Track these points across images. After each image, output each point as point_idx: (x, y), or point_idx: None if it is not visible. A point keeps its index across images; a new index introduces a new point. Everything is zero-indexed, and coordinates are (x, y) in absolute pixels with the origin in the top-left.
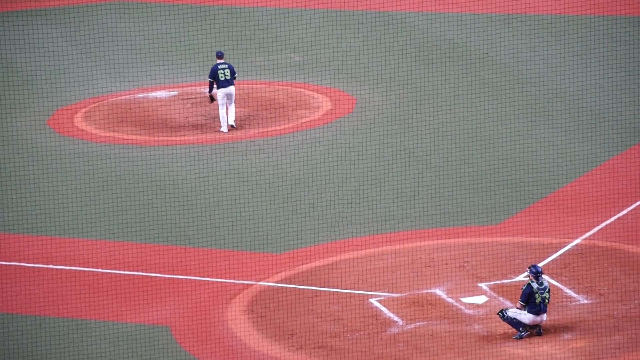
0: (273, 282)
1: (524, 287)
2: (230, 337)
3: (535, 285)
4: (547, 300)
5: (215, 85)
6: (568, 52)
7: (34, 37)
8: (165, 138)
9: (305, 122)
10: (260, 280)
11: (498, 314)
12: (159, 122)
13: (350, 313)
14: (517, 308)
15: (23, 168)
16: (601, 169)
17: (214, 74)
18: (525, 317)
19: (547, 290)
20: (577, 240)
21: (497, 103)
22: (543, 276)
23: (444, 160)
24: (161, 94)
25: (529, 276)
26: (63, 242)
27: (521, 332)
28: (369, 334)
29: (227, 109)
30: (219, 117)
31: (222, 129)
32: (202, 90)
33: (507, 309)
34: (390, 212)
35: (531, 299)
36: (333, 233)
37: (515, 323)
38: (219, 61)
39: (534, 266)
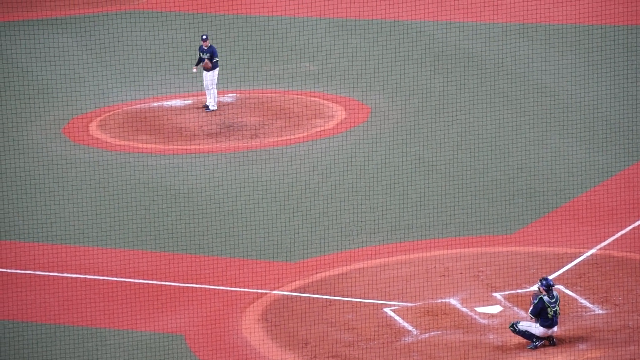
0: (287, 291)
1: (535, 301)
2: (244, 346)
3: (546, 299)
4: (558, 313)
5: (202, 64)
6: (583, 62)
7: (49, 46)
8: (179, 147)
9: (320, 131)
10: (274, 289)
11: (509, 327)
12: (174, 130)
13: (364, 322)
14: (529, 320)
15: (38, 176)
16: (616, 179)
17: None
18: (537, 329)
19: (558, 302)
20: (592, 250)
21: (512, 112)
22: (554, 288)
23: (458, 170)
24: (176, 102)
25: (539, 288)
26: (77, 250)
27: (535, 342)
28: (383, 343)
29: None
30: (211, 99)
31: (214, 108)
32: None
33: (518, 321)
34: (405, 221)
35: (543, 313)
36: (347, 242)
37: (527, 335)
38: (210, 43)
39: (546, 279)
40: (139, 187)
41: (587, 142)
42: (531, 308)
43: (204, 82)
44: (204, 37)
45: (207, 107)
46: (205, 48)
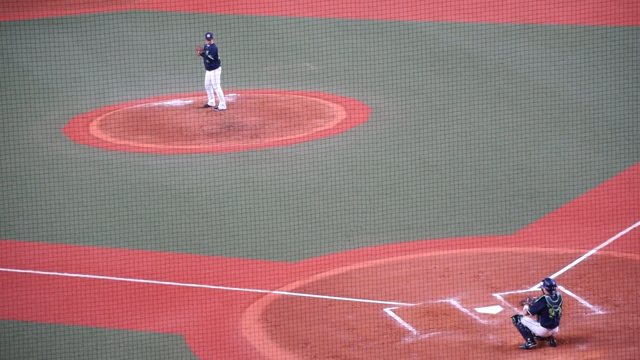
0: (287, 291)
1: (537, 300)
2: (244, 346)
3: (548, 299)
4: (560, 314)
5: (207, 63)
6: (584, 62)
7: (49, 46)
8: (180, 146)
9: (320, 131)
10: (274, 289)
11: (512, 317)
12: (174, 130)
13: (364, 322)
14: (525, 315)
15: (38, 176)
16: (617, 180)
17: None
18: (538, 328)
19: (560, 303)
20: (593, 251)
21: (513, 113)
22: (556, 288)
23: (458, 170)
24: (176, 102)
25: (542, 288)
26: (78, 250)
27: (528, 343)
28: (382, 343)
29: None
30: (212, 98)
31: (222, 107)
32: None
33: (521, 315)
34: (405, 221)
35: (544, 313)
36: (347, 242)
37: (525, 332)
38: (213, 42)
39: (548, 279)
40: (139, 187)
41: (588, 143)
42: (531, 305)
43: (205, 82)
44: (208, 35)
45: (209, 106)
46: (208, 46)
